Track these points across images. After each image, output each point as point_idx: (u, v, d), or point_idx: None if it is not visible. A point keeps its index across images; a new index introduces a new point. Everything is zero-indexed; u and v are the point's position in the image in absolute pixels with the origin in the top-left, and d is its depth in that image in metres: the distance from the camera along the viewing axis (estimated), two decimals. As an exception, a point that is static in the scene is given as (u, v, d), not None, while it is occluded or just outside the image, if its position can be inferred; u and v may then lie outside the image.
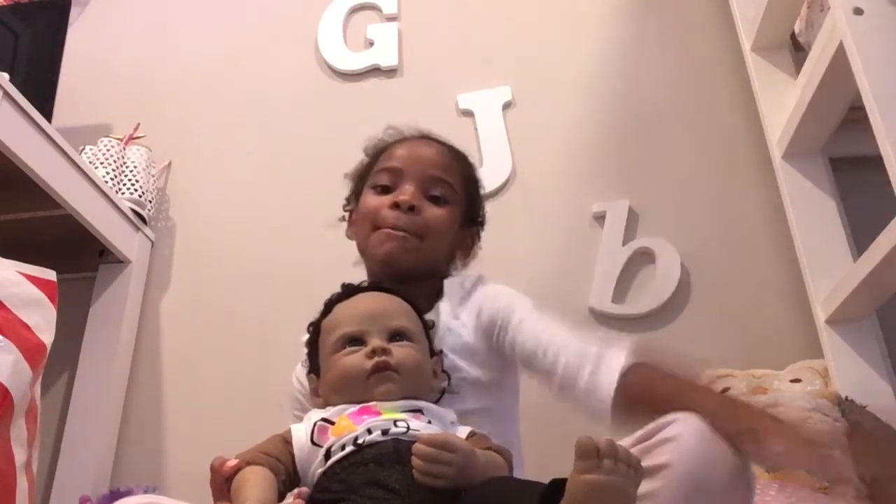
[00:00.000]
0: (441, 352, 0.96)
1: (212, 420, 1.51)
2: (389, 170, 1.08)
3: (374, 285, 0.96)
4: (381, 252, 1.02)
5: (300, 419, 0.92)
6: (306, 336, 0.97)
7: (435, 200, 1.06)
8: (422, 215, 1.03)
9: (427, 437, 0.71)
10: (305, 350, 0.97)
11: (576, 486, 0.59)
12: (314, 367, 0.93)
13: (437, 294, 1.04)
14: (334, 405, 0.85)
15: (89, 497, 1.34)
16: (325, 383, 0.89)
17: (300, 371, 1.07)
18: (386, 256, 1.02)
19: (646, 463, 0.67)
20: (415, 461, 0.70)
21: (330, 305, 0.94)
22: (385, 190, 1.06)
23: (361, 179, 1.14)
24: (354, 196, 1.16)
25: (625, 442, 0.72)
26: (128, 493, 1.21)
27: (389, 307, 0.91)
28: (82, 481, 1.41)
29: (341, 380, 0.86)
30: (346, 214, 1.18)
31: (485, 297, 1.01)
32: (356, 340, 0.87)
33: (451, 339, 0.97)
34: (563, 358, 0.88)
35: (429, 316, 0.99)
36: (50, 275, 1.13)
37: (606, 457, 0.60)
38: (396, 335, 0.88)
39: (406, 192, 1.04)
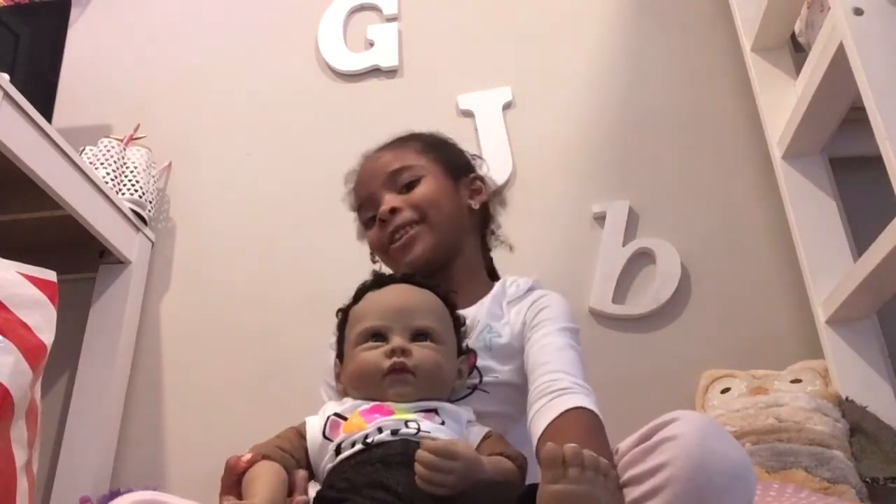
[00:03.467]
0: (470, 350, 0.94)
1: (212, 420, 1.51)
2: (362, 201, 1.10)
3: (407, 276, 0.94)
4: (406, 264, 1.02)
5: (332, 388, 0.93)
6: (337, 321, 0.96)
7: (409, 187, 1.05)
8: (407, 206, 1.03)
9: (430, 444, 0.70)
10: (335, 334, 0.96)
11: (543, 496, 0.59)
12: (340, 353, 0.92)
13: (487, 288, 1.04)
14: (351, 398, 0.85)
15: (89, 497, 1.34)
16: (345, 373, 0.89)
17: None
18: (409, 263, 1.02)
19: (647, 462, 0.67)
20: (417, 468, 0.69)
21: (361, 293, 0.93)
22: (372, 220, 1.07)
23: (357, 213, 1.15)
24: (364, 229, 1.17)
25: (627, 441, 0.72)
26: (128, 493, 1.20)
27: (417, 303, 0.89)
28: (82, 481, 1.41)
29: (358, 375, 0.85)
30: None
31: (534, 302, 0.99)
32: (378, 335, 0.86)
33: (489, 337, 0.96)
34: (536, 381, 0.87)
35: (472, 310, 0.98)
36: (50, 275, 1.13)
37: (572, 465, 0.59)
38: (420, 334, 0.86)
39: (381, 207, 1.04)
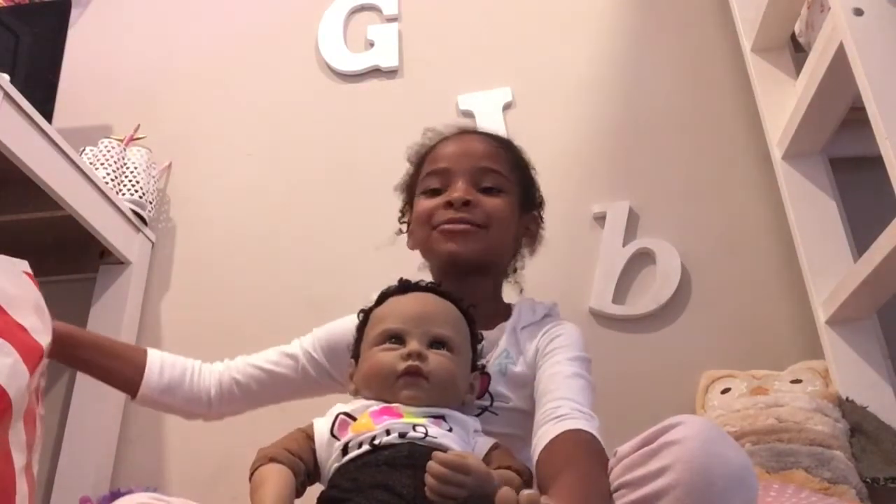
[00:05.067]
0: (484, 367, 0.94)
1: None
2: (437, 171, 1.06)
3: (432, 286, 0.95)
4: (446, 249, 1.00)
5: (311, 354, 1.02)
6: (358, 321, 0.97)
7: (488, 192, 1.03)
8: (480, 207, 1.01)
9: (443, 457, 0.69)
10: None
11: None
12: (356, 353, 0.93)
13: (506, 312, 1.03)
14: (363, 398, 0.85)
15: (90, 498, 1.34)
16: (359, 372, 0.89)
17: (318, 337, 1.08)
18: (451, 252, 1.00)
19: (648, 465, 0.67)
20: (428, 479, 0.69)
21: (384, 297, 0.94)
22: (436, 193, 1.05)
23: (411, 188, 1.13)
24: (408, 206, 1.14)
25: (627, 444, 0.72)
26: (128, 493, 1.20)
27: (438, 312, 0.89)
28: (82, 482, 1.41)
29: (372, 374, 0.86)
30: (404, 226, 1.16)
31: (547, 331, 0.98)
32: (397, 338, 0.87)
33: (506, 363, 0.96)
34: (542, 408, 0.87)
35: (492, 334, 0.98)
36: (23, 265, 1.11)
37: None
38: (437, 342, 0.87)
39: (458, 189, 1.02)
